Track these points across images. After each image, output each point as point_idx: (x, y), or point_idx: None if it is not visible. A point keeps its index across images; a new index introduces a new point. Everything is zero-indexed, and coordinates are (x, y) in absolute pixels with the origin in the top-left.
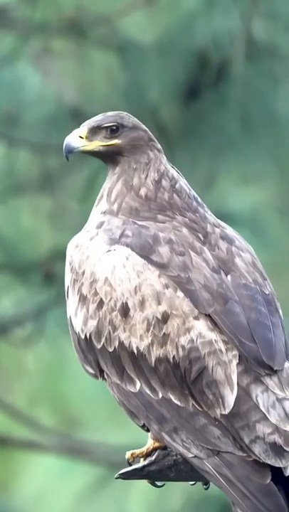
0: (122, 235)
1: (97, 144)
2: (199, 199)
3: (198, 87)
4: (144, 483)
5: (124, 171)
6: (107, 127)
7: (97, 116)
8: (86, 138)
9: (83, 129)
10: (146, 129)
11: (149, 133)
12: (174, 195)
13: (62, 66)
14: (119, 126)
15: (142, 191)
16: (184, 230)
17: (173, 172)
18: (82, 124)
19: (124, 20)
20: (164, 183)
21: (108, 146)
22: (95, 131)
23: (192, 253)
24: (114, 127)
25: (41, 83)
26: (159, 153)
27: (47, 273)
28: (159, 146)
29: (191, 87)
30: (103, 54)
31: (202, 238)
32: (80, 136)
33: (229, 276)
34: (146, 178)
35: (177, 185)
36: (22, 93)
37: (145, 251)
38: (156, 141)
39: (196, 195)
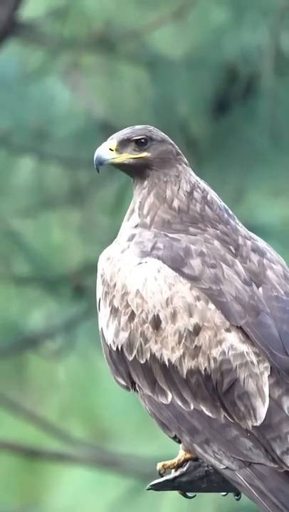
0: (153, 248)
1: (126, 157)
2: (230, 211)
3: (227, 101)
4: (175, 494)
5: (154, 184)
6: (136, 140)
7: (125, 130)
8: (116, 150)
9: (113, 141)
10: (173, 142)
11: (176, 147)
12: (206, 207)
13: (92, 81)
14: (148, 139)
15: (175, 203)
16: (216, 243)
17: (203, 184)
18: (111, 137)
19: (153, 35)
20: (196, 194)
21: (137, 159)
22: (124, 143)
23: (224, 265)
24: (143, 140)
25: (71, 98)
26: (186, 166)
27: (77, 286)
28: (185, 159)
29: (220, 101)
30: (132, 69)
31: (233, 250)
32: (110, 149)
33: (261, 289)
34: (178, 190)
35: (208, 197)
36: (52, 108)
37: (177, 263)
38: (182, 154)
39: (226, 206)
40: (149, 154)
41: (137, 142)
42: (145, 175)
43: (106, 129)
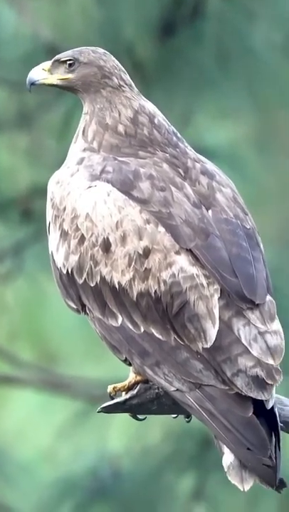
0: (102, 171)
1: (55, 78)
2: (179, 134)
3: (173, 23)
4: (123, 417)
5: (93, 110)
6: (65, 61)
7: (67, 52)
8: (48, 71)
9: (48, 62)
10: (105, 64)
11: (106, 70)
12: (154, 131)
13: (38, 4)
14: (75, 61)
15: (120, 128)
16: (165, 166)
17: (149, 107)
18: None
19: None
20: (142, 118)
21: (63, 81)
22: (56, 65)
23: (173, 188)
24: (71, 62)
25: (17, 21)
26: (115, 90)
27: (25, 210)
28: (115, 82)
29: (166, 23)
30: None
31: (183, 173)
32: (44, 69)
33: (210, 211)
34: (119, 116)
35: (156, 121)
36: None
37: (126, 187)
38: (113, 77)
39: (175, 130)
40: (72, 76)
41: (66, 63)
42: (83, 99)
43: (52, 52)
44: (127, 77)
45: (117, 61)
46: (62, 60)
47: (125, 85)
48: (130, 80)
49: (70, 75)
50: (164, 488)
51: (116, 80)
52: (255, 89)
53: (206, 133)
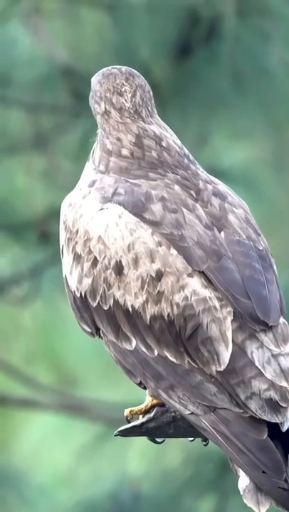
0: (114, 193)
1: None
2: (191, 156)
3: (189, 44)
4: (143, 440)
5: (98, 136)
6: None
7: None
8: None
9: None
10: (97, 89)
11: (97, 95)
12: (164, 153)
13: (53, 25)
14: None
15: (125, 151)
16: (176, 187)
17: (154, 129)
18: None
19: None
20: (147, 142)
21: None
22: None
23: (185, 210)
24: None
25: (32, 43)
26: (103, 116)
27: (42, 232)
28: (102, 108)
29: (182, 44)
30: (93, 12)
31: (194, 195)
32: None
33: (222, 233)
34: (120, 141)
35: (164, 143)
36: (13, 53)
37: (138, 209)
38: (100, 103)
39: (187, 152)
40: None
41: None
42: None
43: (68, 74)
44: (124, 99)
45: (120, 82)
46: None
47: (113, 109)
48: (136, 101)
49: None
50: (183, 511)
51: (103, 105)
52: (270, 110)
53: (222, 154)
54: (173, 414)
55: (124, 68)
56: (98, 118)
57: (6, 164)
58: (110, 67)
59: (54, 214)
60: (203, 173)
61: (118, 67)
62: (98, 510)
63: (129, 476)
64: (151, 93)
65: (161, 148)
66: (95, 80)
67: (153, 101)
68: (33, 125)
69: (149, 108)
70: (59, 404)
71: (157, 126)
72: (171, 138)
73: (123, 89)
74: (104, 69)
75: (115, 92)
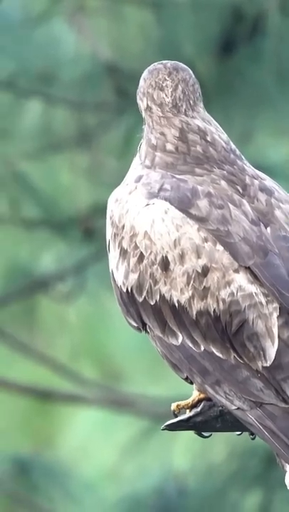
0: (160, 189)
1: None
2: (237, 151)
3: (233, 41)
4: (188, 435)
5: (144, 131)
6: None
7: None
8: None
9: None
10: (141, 85)
11: (140, 90)
12: (209, 148)
13: (97, 23)
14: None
15: (170, 146)
16: (223, 183)
17: (198, 123)
18: None
19: None
20: (191, 136)
21: None
22: None
23: (231, 206)
24: None
25: (76, 41)
26: (146, 111)
27: (86, 228)
28: (145, 103)
29: (225, 41)
30: (137, 10)
31: (241, 190)
32: None
33: (269, 229)
34: (164, 135)
35: (209, 138)
36: (58, 51)
37: (184, 205)
38: (143, 99)
39: (233, 146)
40: None
41: None
42: None
43: (112, 71)
44: (164, 93)
45: (162, 77)
46: None
47: (154, 105)
48: (177, 95)
49: None
50: (229, 506)
51: (145, 101)
52: None
53: (267, 150)
54: (220, 408)
55: (169, 63)
56: (143, 112)
57: (51, 162)
58: (157, 62)
59: (98, 211)
60: (249, 168)
61: (164, 62)
62: (144, 505)
63: (174, 470)
64: (196, 86)
65: (207, 142)
66: (141, 77)
67: (199, 94)
68: (77, 123)
69: (191, 102)
70: (105, 399)
71: (201, 119)
72: (216, 132)
73: (164, 84)
74: (152, 65)
75: (157, 87)
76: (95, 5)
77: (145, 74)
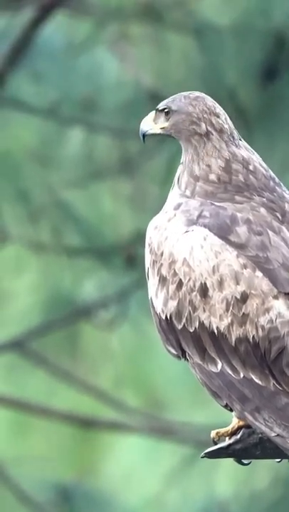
0: (199, 216)
1: (158, 127)
2: (277, 179)
3: (275, 68)
4: (231, 462)
5: (184, 161)
6: (162, 110)
7: (165, 100)
8: (153, 121)
9: (152, 112)
10: (192, 111)
11: (193, 116)
12: (250, 176)
13: (139, 51)
14: (169, 109)
15: (213, 177)
16: (262, 210)
17: (243, 153)
18: None
19: (200, 3)
20: (235, 166)
21: (162, 129)
22: (158, 114)
23: (270, 232)
24: (166, 110)
25: (119, 68)
26: (202, 138)
27: (129, 256)
28: (202, 128)
29: (268, 68)
30: (180, 37)
31: (280, 217)
32: (150, 119)
33: None
34: (209, 167)
35: (251, 167)
36: (100, 79)
37: (223, 231)
38: (200, 124)
39: (272, 174)
40: (167, 125)
41: (163, 112)
42: (182, 146)
43: (154, 99)
44: (221, 120)
45: (211, 104)
46: (160, 109)
47: (214, 131)
48: (228, 123)
49: (166, 124)
50: None
51: (204, 126)
52: None
53: None
54: (260, 435)
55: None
56: (193, 140)
57: (93, 189)
58: (185, 92)
59: (140, 238)
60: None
61: (194, 92)
62: None
63: (217, 497)
64: None
65: (248, 171)
66: (181, 103)
67: None
68: (119, 150)
69: (236, 131)
70: (147, 427)
71: (245, 149)
72: (257, 161)
73: (217, 111)
74: (182, 94)
75: (212, 113)
76: (137, 32)
77: (187, 100)
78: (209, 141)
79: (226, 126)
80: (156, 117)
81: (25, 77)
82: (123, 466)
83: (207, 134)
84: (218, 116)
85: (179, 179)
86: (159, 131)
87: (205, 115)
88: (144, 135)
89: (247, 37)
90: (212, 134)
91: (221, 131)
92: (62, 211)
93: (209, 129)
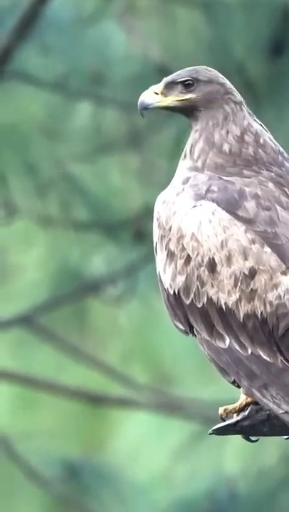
0: (208, 191)
1: (172, 100)
2: (285, 154)
3: (283, 41)
4: (239, 438)
5: (203, 128)
6: (182, 82)
7: (175, 73)
8: (162, 94)
9: (159, 85)
10: (225, 81)
11: (227, 86)
12: (259, 150)
13: (147, 24)
14: (194, 80)
15: (226, 147)
16: (270, 185)
17: (256, 126)
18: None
19: None
20: (247, 138)
21: (183, 101)
22: (170, 86)
23: (278, 208)
24: (189, 82)
25: (126, 42)
26: (236, 106)
27: (137, 230)
28: (238, 98)
29: (276, 42)
30: (188, 11)
31: (288, 192)
32: (156, 92)
33: None
34: (227, 134)
35: (261, 140)
36: (108, 52)
37: (231, 206)
38: (234, 93)
39: (281, 149)
40: (194, 96)
41: (184, 84)
42: (196, 117)
43: (162, 72)
44: (238, 93)
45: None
46: (178, 81)
47: (243, 101)
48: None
49: (190, 95)
50: (280, 510)
51: (238, 96)
52: None
53: None
54: (267, 412)
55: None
56: (228, 107)
57: (101, 163)
58: (193, 67)
59: (148, 212)
60: None
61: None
62: (195, 509)
63: (225, 474)
64: None
65: (258, 144)
66: (210, 74)
67: None
68: (127, 124)
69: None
70: (155, 403)
71: (256, 123)
72: (267, 135)
73: (233, 87)
74: (193, 67)
75: (231, 87)
76: (145, 5)
77: (216, 73)
78: (240, 111)
79: (241, 98)
80: (167, 90)
81: (33, 50)
82: (131, 441)
83: (242, 102)
84: (235, 90)
85: (191, 147)
86: (173, 103)
87: (232, 87)
88: (145, 109)
89: (255, 10)
90: (243, 104)
91: (238, 103)
92: (70, 185)
93: (235, 98)
